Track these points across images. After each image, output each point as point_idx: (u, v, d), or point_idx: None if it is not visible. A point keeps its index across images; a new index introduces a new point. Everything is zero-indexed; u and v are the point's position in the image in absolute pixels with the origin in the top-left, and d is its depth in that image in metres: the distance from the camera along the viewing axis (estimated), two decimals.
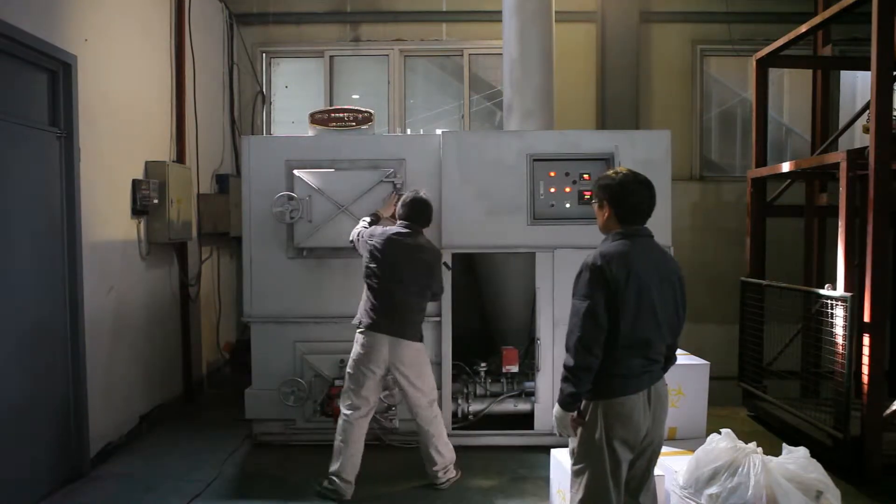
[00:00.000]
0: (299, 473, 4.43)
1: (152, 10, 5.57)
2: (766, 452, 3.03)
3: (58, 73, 4.19)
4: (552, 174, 4.86)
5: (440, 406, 4.85)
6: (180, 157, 5.94)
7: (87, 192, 4.41)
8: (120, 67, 4.97)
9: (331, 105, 7.50)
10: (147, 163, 5.36)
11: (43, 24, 4.00)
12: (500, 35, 5.51)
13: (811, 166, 5.18)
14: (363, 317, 4.16)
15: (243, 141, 5.10)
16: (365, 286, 4.19)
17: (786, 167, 5.52)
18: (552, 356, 4.83)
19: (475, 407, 5.00)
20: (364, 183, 4.82)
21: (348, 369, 4.18)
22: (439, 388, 4.85)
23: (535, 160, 4.84)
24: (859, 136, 5.85)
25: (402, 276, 4.10)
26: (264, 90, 7.74)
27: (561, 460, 3.65)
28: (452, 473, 4.30)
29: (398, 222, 4.24)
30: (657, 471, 3.01)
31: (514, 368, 4.99)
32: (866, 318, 4.34)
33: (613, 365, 2.68)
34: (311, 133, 5.12)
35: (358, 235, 4.30)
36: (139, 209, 5.16)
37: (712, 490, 2.98)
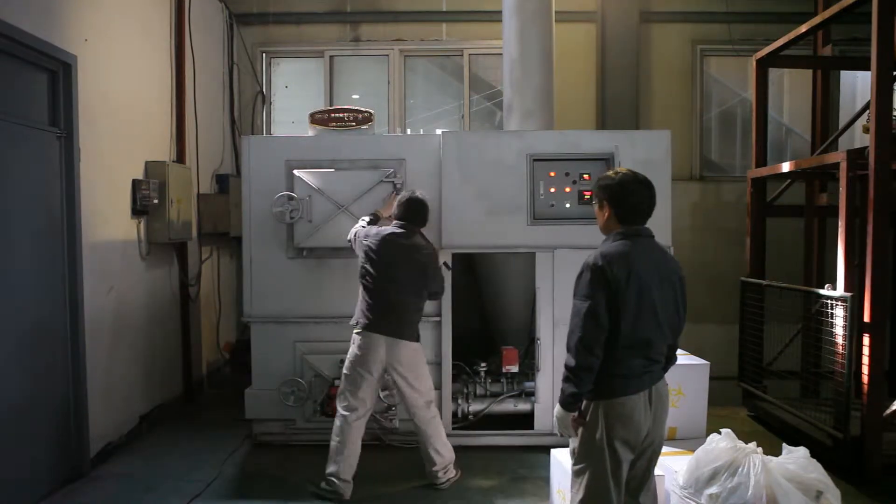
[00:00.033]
0: (299, 473, 4.43)
1: (152, 10, 5.57)
2: (766, 452, 3.03)
3: (58, 73, 4.19)
4: (552, 174, 4.86)
5: (440, 406, 4.86)
6: (180, 157, 5.94)
7: (87, 192, 4.41)
8: (120, 67, 4.97)
9: (331, 105, 7.50)
10: (147, 163, 5.36)
11: (43, 24, 4.00)
12: (500, 35, 5.51)
13: (811, 166, 5.18)
14: (360, 317, 4.15)
15: (243, 141, 5.10)
16: (360, 286, 4.19)
17: (786, 167, 5.52)
18: (552, 356, 4.83)
19: (475, 407, 5.00)
20: (364, 183, 4.82)
21: (345, 370, 4.17)
22: (439, 388, 4.86)
23: (535, 160, 4.84)
24: (859, 136, 5.85)
25: (398, 276, 4.09)
26: (264, 90, 7.74)
27: (561, 460, 3.66)
28: (452, 473, 4.30)
29: (393, 222, 4.24)
30: (657, 471, 3.01)
31: (514, 368, 4.99)
32: (866, 318, 4.34)
33: (614, 365, 2.68)
34: (311, 133, 5.12)
35: (354, 235, 4.30)
36: (139, 209, 5.16)
37: (712, 490, 2.98)
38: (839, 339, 4.51)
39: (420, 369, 4.21)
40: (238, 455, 4.83)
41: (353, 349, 4.14)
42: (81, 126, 4.34)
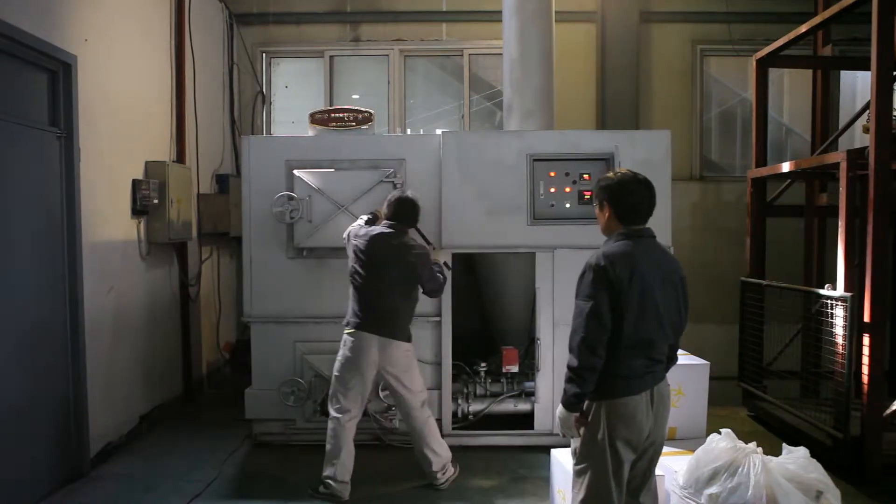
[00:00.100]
0: (299, 473, 4.43)
1: (152, 10, 5.57)
2: (766, 452, 3.03)
3: (58, 73, 4.19)
4: (552, 174, 4.86)
5: (440, 406, 4.87)
6: (180, 157, 5.94)
7: (87, 192, 4.41)
8: (120, 67, 4.97)
9: (331, 105, 7.50)
10: (147, 163, 5.36)
11: (43, 24, 4.00)
12: (500, 35, 5.51)
13: (811, 166, 5.18)
14: (351, 317, 4.13)
15: (243, 141, 5.10)
16: (351, 286, 4.17)
17: (786, 167, 5.52)
18: (552, 356, 4.83)
19: (475, 407, 5.00)
20: (364, 183, 4.82)
21: (335, 372, 4.14)
22: (439, 388, 4.87)
23: (535, 160, 4.84)
24: (859, 136, 5.85)
25: (387, 275, 4.06)
26: (264, 90, 7.74)
27: (561, 460, 3.65)
28: (451, 471, 4.30)
29: (383, 222, 4.22)
30: (657, 471, 3.01)
31: (514, 368, 4.99)
32: (866, 318, 4.34)
33: (616, 365, 2.68)
34: (311, 133, 5.12)
35: (347, 234, 4.29)
36: (139, 209, 5.16)
37: (712, 490, 2.98)
38: (839, 339, 4.51)
39: (412, 370, 4.20)
40: (238, 455, 4.83)
41: (343, 351, 4.12)
42: (81, 126, 4.34)
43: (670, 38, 7.60)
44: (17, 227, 3.83)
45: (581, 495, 2.76)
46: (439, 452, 4.24)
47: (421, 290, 4.19)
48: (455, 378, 5.03)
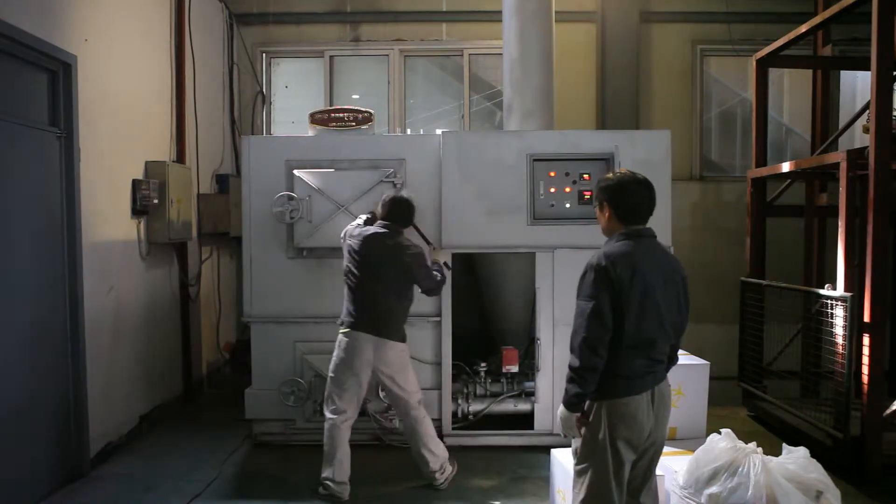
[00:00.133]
0: (299, 473, 4.43)
1: (152, 10, 5.57)
2: (766, 452, 3.03)
3: (58, 73, 4.19)
4: (552, 174, 4.86)
5: (441, 406, 4.87)
6: (180, 157, 5.94)
7: (87, 192, 4.41)
8: (120, 67, 4.97)
9: (331, 105, 7.49)
10: (147, 163, 5.36)
11: (43, 24, 4.00)
12: (500, 35, 5.51)
13: (811, 166, 5.19)
14: (345, 316, 4.13)
15: (243, 141, 5.10)
16: (345, 286, 4.17)
17: (786, 167, 5.52)
18: (552, 356, 4.83)
19: (475, 407, 5.00)
20: (364, 183, 4.82)
21: (330, 373, 4.13)
22: (439, 388, 4.87)
23: (535, 160, 4.84)
24: (859, 136, 5.85)
25: (380, 275, 4.06)
26: (264, 90, 7.74)
27: (561, 460, 3.65)
28: (449, 470, 4.29)
29: (377, 222, 4.21)
30: (657, 471, 3.01)
31: (514, 368, 4.99)
32: (866, 318, 4.34)
33: (617, 365, 2.68)
34: (311, 133, 5.12)
35: (343, 234, 4.29)
36: (139, 209, 5.16)
37: (712, 490, 2.98)
38: (839, 339, 4.51)
39: (407, 370, 4.19)
40: (238, 455, 4.83)
41: (337, 351, 4.11)
42: (81, 126, 4.34)
43: (670, 38, 7.60)
44: (17, 227, 3.83)
45: (581, 495, 2.76)
46: (436, 452, 4.24)
47: (419, 290, 4.20)
48: (455, 378, 5.03)
